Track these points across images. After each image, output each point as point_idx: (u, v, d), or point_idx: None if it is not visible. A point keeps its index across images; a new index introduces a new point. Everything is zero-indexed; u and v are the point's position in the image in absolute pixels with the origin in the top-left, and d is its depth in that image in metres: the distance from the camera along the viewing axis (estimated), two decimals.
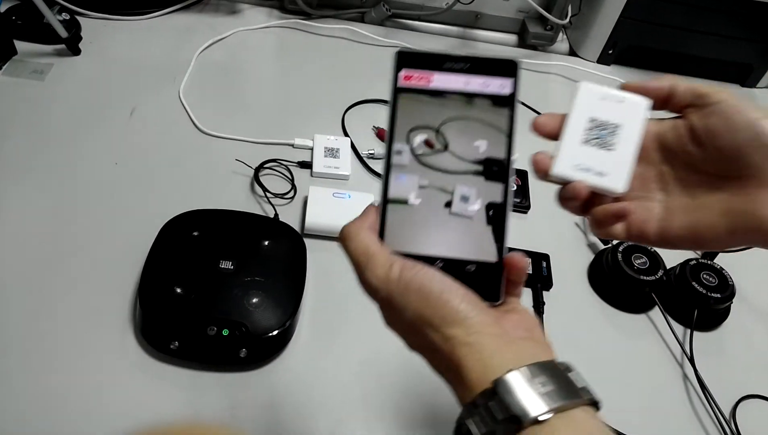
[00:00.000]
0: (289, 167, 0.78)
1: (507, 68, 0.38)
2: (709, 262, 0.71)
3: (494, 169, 0.38)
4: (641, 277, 0.68)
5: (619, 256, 0.69)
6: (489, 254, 0.37)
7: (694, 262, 0.71)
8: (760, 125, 0.37)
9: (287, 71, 0.95)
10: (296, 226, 0.71)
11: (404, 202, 0.38)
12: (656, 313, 0.71)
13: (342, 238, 0.38)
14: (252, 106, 0.87)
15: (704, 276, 0.69)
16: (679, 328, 0.70)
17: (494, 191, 0.38)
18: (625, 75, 1.08)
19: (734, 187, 0.38)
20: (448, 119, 0.38)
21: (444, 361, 0.34)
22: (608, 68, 1.09)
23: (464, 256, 0.37)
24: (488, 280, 0.37)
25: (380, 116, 0.89)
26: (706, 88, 0.39)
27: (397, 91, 0.38)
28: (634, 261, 0.69)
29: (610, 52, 1.07)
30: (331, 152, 0.80)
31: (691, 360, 0.66)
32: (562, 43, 1.11)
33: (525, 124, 0.40)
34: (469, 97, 0.38)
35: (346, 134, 0.85)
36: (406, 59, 0.39)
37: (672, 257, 0.72)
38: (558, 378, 0.31)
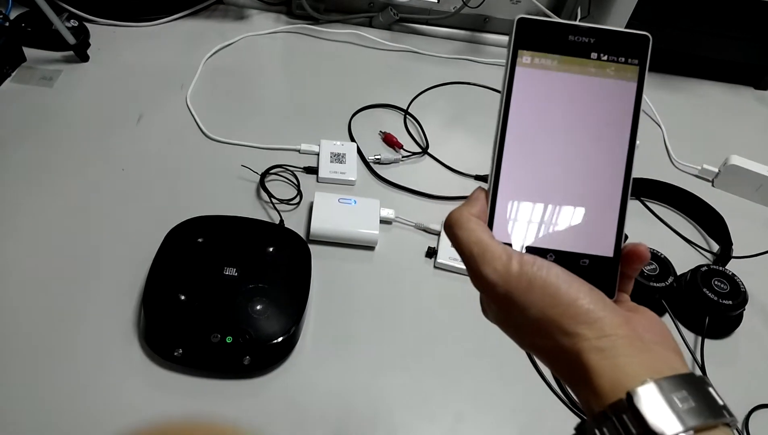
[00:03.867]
0: (295, 173, 0.78)
1: (636, 44, 0.35)
2: (720, 268, 0.70)
3: (614, 155, 0.35)
4: (651, 283, 0.67)
5: None
6: (604, 247, 0.35)
7: (705, 268, 0.69)
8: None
9: (294, 76, 0.95)
10: (302, 232, 0.70)
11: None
12: (667, 320, 0.69)
13: (450, 225, 0.35)
14: (259, 112, 0.87)
15: (716, 282, 0.68)
16: (690, 336, 0.69)
17: (612, 179, 0.35)
18: None
19: None
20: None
21: (569, 363, 0.32)
22: None
23: (577, 249, 0.35)
24: (603, 275, 0.35)
25: (387, 121, 0.89)
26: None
27: (516, 62, 0.35)
28: (644, 267, 0.68)
29: None
30: (338, 157, 0.80)
31: (702, 368, 0.65)
32: None
33: None
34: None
35: (352, 139, 0.85)
36: (526, 28, 0.35)
37: (682, 264, 0.71)
38: (699, 394, 0.29)
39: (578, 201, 0.36)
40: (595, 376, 0.30)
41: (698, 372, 0.65)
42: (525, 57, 0.35)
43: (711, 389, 0.30)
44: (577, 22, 0.36)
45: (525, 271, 0.32)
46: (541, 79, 0.36)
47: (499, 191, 0.36)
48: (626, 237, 0.36)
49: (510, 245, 0.35)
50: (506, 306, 0.33)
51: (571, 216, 0.35)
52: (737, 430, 0.61)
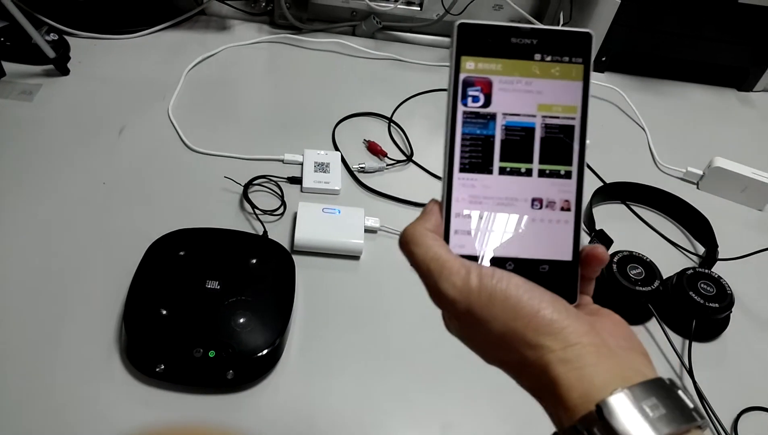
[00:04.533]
0: (279, 183, 0.77)
1: (579, 42, 0.35)
2: (706, 271, 0.70)
3: (564, 159, 0.35)
4: (637, 287, 0.67)
5: (614, 266, 0.68)
6: (562, 251, 0.35)
7: (691, 271, 0.69)
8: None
9: (277, 86, 0.94)
10: (286, 243, 0.70)
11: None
12: (653, 324, 0.69)
13: (405, 242, 0.34)
14: (242, 122, 0.86)
15: (702, 285, 0.68)
16: (677, 340, 0.69)
17: (565, 183, 0.35)
18: (620, 82, 1.07)
19: None
20: None
21: (536, 377, 0.31)
22: (602, 75, 1.08)
23: (536, 255, 0.35)
24: (563, 280, 0.34)
25: (371, 129, 0.88)
26: None
27: (459, 69, 0.35)
28: (629, 271, 0.68)
29: (603, 59, 1.07)
30: (321, 167, 0.79)
31: (690, 372, 0.64)
32: None
33: None
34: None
35: (336, 148, 0.84)
36: (467, 33, 0.35)
37: (668, 267, 0.71)
38: (669, 400, 0.29)
39: (533, 206, 0.35)
40: (563, 389, 0.30)
41: (687, 376, 0.65)
42: (468, 63, 0.35)
43: (680, 393, 0.30)
44: (518, 24, 0.35)
45: (485, 284, 0.32)
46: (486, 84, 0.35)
47: (453, 203, 0.35)
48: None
49: (467, 257, 0.34)
50: (468, 321, 0.33)
51: (527, 222, 0.35)
52: (725, 432, 0.60)
